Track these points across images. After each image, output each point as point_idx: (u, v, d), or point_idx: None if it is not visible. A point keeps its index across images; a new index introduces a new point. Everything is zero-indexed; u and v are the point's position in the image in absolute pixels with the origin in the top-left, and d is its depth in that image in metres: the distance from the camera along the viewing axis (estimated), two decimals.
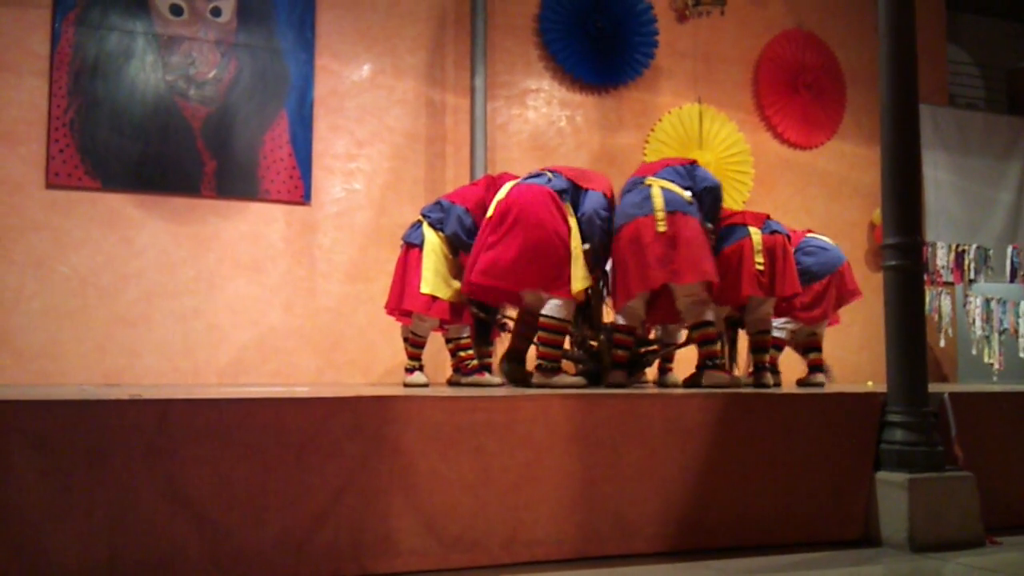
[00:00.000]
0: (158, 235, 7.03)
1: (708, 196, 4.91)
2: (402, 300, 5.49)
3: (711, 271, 4.68)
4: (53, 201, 6.77)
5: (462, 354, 5.61)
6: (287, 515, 3.21)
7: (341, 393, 3.65)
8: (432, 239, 5.39)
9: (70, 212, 6.81)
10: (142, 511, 3.03)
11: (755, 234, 5.14)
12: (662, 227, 4.65)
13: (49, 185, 6.76)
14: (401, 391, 4.25)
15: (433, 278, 5.31)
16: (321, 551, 3.23)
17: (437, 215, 5.50)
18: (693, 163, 5.09)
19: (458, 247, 5.40)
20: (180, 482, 3.08)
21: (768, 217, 5.40)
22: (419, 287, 5.31)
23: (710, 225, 4.96)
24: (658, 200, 4.73)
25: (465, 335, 5.62)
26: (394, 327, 6.41)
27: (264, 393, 3.72)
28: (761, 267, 5.08)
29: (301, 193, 7.45)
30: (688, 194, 4.83)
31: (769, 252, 5.13)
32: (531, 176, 5.07)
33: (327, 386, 6.18)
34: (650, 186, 4.83)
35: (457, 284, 5.35)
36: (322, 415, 3.33)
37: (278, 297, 7.33)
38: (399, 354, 6.98)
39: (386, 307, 5.82)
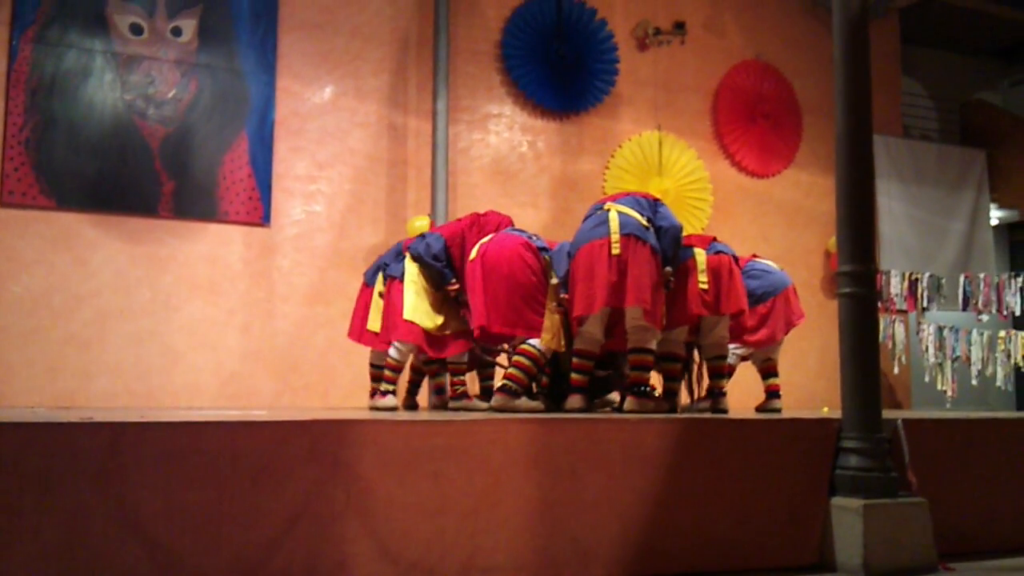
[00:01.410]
0: (114, 255, 6.94)
1: (666, 236, 4.96)
2: (388, 331, 5.56)
3: (648, 300, 4.70)
4: (6, 219, 6.66)
5: (453, 379, 5.66)
6: (241, 540, 3.16)
7: (298, 417, 3.62)
8: (411, 270, 5.47)
9: (24, 231, 6.70)
10: (93, 536, 2.97)
11: (699, 254, 5.18)
12: (616, 249, 4.70)
13: (3, 203, 6.65)
14: (359, 415, 4.22)
15: (414, 305, 5.38)
16: None
17: (415, 244, 5.63)
18: (658, 200, 5.15)
19: (424, 271, 5.46)
20: (132, 507, 3.03)
21: (714, 239, 5.45)
22: (401, 316, 5.40)
23: (668, 268, 5.00)
24: (614, 223, 4.79)
25: (463, 360, 5.67)
26: (353, 351, 6.38)
27: (219, 417, 3.68)
28: (705, 286, 5.12)
29: (260, 215, 7.40)
30: (645, 220, 4.87)
31: (714, 271, 5.18)
32: (517, 230, 5.32)
33: (284, 410, 6.12)
34: (608, 211, 4.89)
35: (440, 318, 5.42)
36: (278, 439, 3.30)
37: (236, 320, 7.26)
38: (358, 378, 6.94)
39: (350, 335, 5.83)
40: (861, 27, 4.37)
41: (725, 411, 5.36)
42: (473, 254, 5.16)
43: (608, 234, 4.75)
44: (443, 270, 5.44)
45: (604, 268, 4.69)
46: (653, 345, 4.97)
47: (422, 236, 5.76)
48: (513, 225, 5.63)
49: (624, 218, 4.82)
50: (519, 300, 4.94)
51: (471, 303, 5.14)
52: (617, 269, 4.68)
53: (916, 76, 11.03)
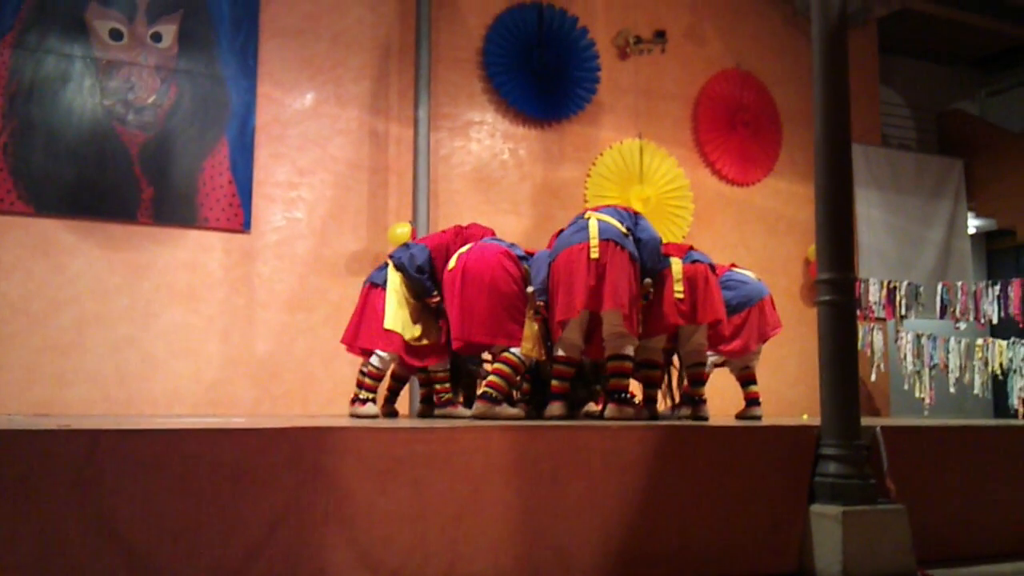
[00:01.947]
0: (92, 262, 6.90)
1: (646, 248, 5.00)
2: (358, 337, 5.55)
3: (625, 304, 4.73)
4: None
5: (437, 387, 5.65)
6: (220, 549, 3.14)
7: (278, 424, 3.60)
8: (394, 279, 5.49)
9: (1, 237, 6.65)
10: (70, 544, 2.94)
11: (675, 264, 5.21)
12: (595, 253, 4.75)
13: None
14: (339, 422, 4.20)
15: (394, 314, 5.39)
16: None
17: (399, 253, 5.61)
18: (638, 214, 5.21)
19: (406, 281, 5.48)
20: (110, 515, 3.01)
21: (691, 248, 5.47)
22: (382, 324, 5.40)
23: (648, 280, 5.04)
24: (593, 229, 4.84)
25: (442, 368, 5.67)
26: (334, 358, 6.36)
27: (198, 424, 3.66)
28: (681, 295, 5.14)
29: (241, 221, 7.38)
30: (624, 228, 4.90)
31: (690, 280, 5.20)
32: (495, 239, 5.34)
33: (264, 417, 6.09)
34: (588, 219, 4.94)
35: (417, 329, 5.44)
36: (258, 446, 3.28)
37: (215, 326, 7.22)
38: (339, 385, 6.92)
39: (344, 340, 5.81)
40: (840, 37, 4.41)
41: (705, 418, 5.38)
42: (452, 263, 5.17)
43: (587, 239, 4.80)
44: (425, 283, 5.46)
45: (583, 272, 4.74)
46: (631, 351, 4.99)
47: (406, 246, 5.76)
48: (495, 236, 5.65)
49: (604, 225, 4.88)
50: (500, 309, 4.98)
51: (450, 313, 5.15)
52: (596, 273, 4.73)
53: (894, 85, 11.12)
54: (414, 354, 5.49)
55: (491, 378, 5.00)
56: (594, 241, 4.78)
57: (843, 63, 4.40)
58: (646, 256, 4.99)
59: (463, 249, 5.22)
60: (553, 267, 4.93)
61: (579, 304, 4.73)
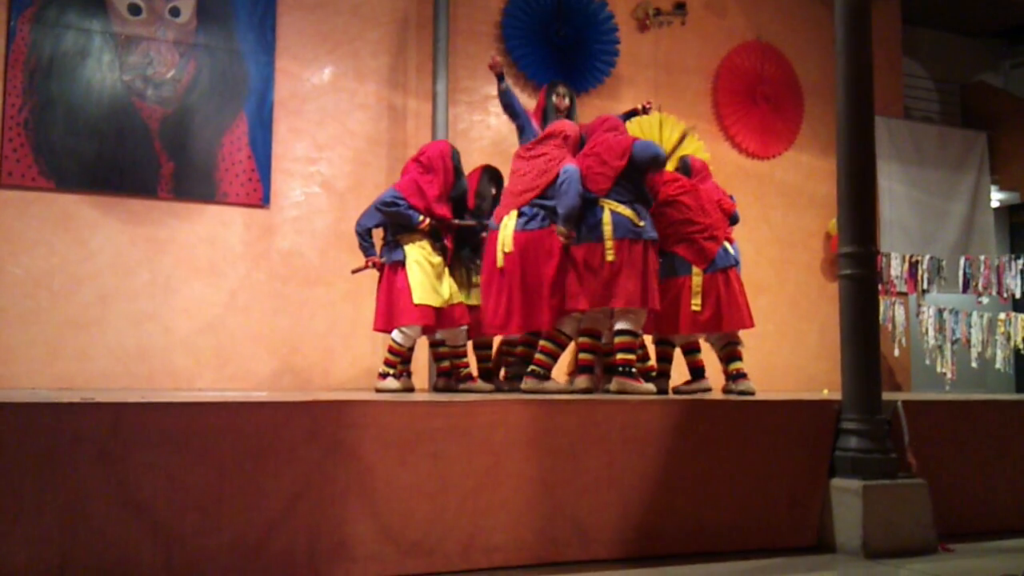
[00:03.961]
0: (113, 237, 6.93)
1: (652, 166, 5.12)
2: (391, 319, 5.51)
3: (638, 301, 4.90)
4: (6, 201, 6.65)
5: (457, 362, 5.67)
6: (242, 521, 3.17)
7: (298, 398, 3.62)
8: (412, 253, 5.45)
9: (23, 212, 6.69)
10: (94, 516, 2.98)
11: (696, 276, 5.34)
12: (610, 256, 4.90)
13: (2, 185, 6.64)
14: (359, 396, 4.22)
15: (421, 286, 5.38)
16: (276, 557, 3.20)
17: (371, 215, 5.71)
18: (634, 141, 5.14)
19: (393, 218, 5.48)
20: (133, 487, 3.04)
21: (724, 245, 5.48)
22: (411, 300, 5.37)
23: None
24: (608, 228, 4.93)
25: (462, 343, 5.67)
26: (353, 332, 6.37)
27: (220, 398, 3.68)
28: (698, 308, 5.30)
29: (260, 196, 7.39)
30: (634, 213, 4.95)
31: (709, 290, 5.35)
32: (526, 219, 5.17)
33: (285, 391, 6.12)
34: (602, 208, 4.98)
35: (445, 291, 5.44)
36: (279, 420, 3.30)
37: (236, 301, 7.26)
38: (359, 359, 6.96)
39: (378, 328, 5.79)
40: (863, 8, 4.35)
41: (751, 392, 5.41)
42: (500, 261, 5.14)
43: (602, 239, 4.93)
44: (407, 211, 5.42)
45: (597, 271, 4.92)
46: (638, 327, 5.06)
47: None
48: (454, 150, 5.68)
49: (617, 219, 4.95)
50: (551, 296, 5.04)
51: (498, 299, 5.17)
52: (611, 272, 4.89)
53: (917, 57, 10.98)
54: (444, 318, 5.48)
55: (538, 356, 5.11)
56: (609, 243, 4.91)
57: (866, 34, 4.35)
58: (647, 168, 5.12)
59: (507, 248, 5.13)
60: (572, 254, 5.01)
61: (593, 303, 4.92)
